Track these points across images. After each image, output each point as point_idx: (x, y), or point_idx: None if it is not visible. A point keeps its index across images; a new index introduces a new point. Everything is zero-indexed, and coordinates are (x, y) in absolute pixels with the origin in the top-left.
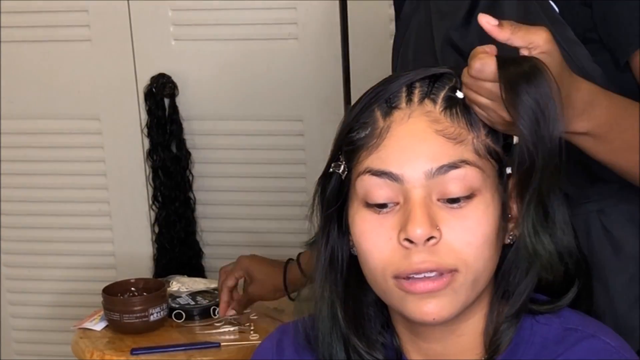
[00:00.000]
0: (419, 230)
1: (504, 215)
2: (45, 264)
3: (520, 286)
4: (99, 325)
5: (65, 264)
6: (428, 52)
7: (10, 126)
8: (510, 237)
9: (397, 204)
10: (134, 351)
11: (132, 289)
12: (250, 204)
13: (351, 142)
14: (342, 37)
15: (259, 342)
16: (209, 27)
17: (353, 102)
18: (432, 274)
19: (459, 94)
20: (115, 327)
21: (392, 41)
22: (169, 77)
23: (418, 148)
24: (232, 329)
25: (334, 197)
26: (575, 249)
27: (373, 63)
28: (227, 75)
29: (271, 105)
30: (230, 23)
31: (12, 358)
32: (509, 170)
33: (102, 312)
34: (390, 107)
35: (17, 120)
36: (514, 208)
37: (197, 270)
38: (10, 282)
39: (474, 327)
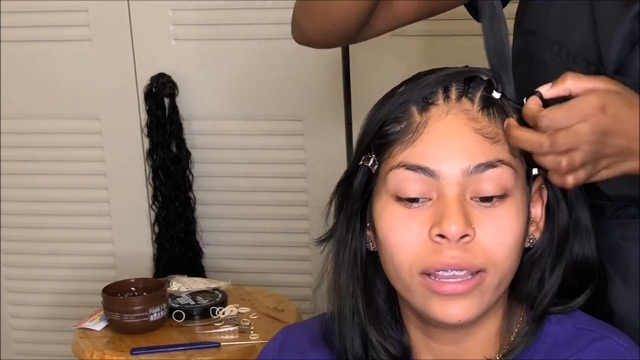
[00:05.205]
0: (454, 227)
1: (527, 217)
2: (45, 264)
3: (545, 288)
4: (99, 325)
5: (65, 264)
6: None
7: (10, 126)
8: (530, 241)
9: (430, 199)
10: (134, 351)
11: (132, 288)
12: (250, 204)
13: (384, 136)
14: None
15: (259, 342)
16: (209, 27)
17: (353, 102)
18: (462, 272)
19: (496, 94)
20: (115, 327)
21: (392, 41)
22: (169, 77)
23: (456, 145)
24: (232, 328)
25: (361, 191)
26: (595, 255)
27: (373, 63)
28: (227, 75)
29: (271, 105)
30: (229, 23)
31: (12, 358)
32: (535, 172)
33: (102, 312)
34: (427, 103)
35: (17, 120)
36: (533, 212)
37: (197, 270)
38: (10, 282)
39: (488, 329)
